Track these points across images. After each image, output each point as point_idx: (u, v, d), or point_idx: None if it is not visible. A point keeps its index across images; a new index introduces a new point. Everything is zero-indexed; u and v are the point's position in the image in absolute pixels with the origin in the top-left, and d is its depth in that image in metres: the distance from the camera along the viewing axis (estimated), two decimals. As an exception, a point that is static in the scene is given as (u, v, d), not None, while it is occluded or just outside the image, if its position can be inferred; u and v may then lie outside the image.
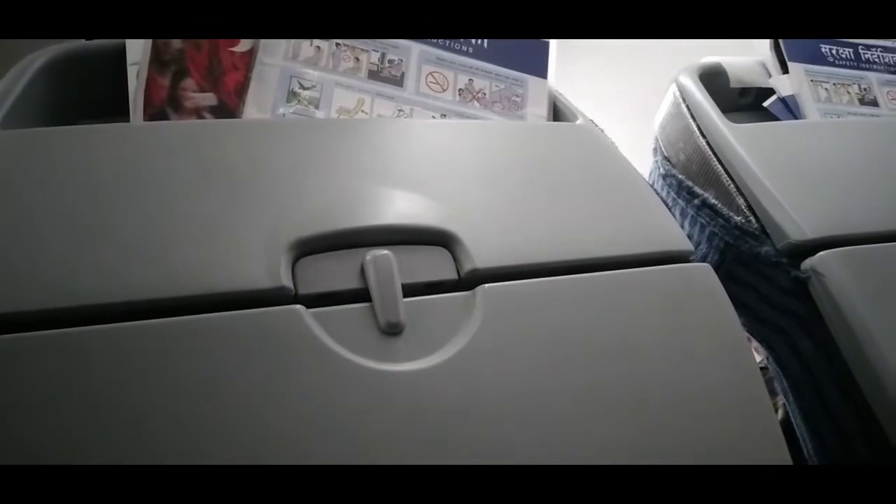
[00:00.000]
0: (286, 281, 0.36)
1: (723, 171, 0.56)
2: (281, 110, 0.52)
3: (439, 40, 0.58)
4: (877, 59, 0.73)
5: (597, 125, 0.56)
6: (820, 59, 0.70)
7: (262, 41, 0.52)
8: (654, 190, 0.51)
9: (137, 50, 0.50)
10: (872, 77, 0.72)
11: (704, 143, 0.58)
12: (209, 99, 0.51)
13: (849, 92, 0.70)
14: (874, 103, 0.70)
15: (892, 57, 0.74)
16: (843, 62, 0.72)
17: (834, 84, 0.69)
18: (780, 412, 0.58)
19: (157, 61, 0.50)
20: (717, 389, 0.38)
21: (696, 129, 0.60)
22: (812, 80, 0.68)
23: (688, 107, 0.62)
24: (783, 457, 0.37)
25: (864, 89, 0.71)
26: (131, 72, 0.50)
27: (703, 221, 0.57)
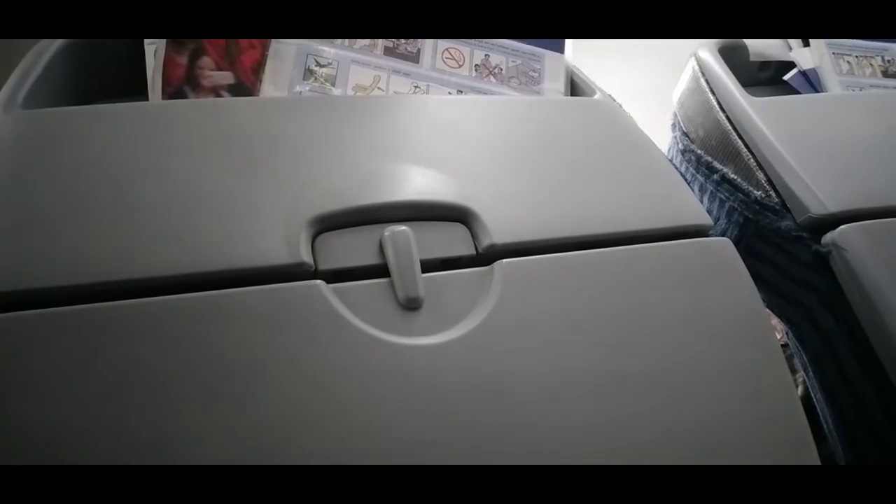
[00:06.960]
0: (306, 257, 0.36)
1: (742, 146, 0.55)
2: (298, 88, 0.52)
3: (455, 16, 0.57)
4: (902, 30, 0.72)
5: (614, 100, 0.56)
6: (842, 31, 0.69)
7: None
8: (673, 165, 0.51)
9: (155, 29, 0.50)
10: (897, 49, 0.71)
11: (724, 118, 0.58)
12: (226, 77, 0.51)
13: (872, 64, 0.68)
14: (898, 75, 0.69)
15: (918, 28, 0.72)
16: (867, 34, 0.70)
17: (856, 56, 0.68)
18: (800, 388, 0.57)
19: (175, 40, 0.50)
20: (737, 365, 0.38)
21: (715, 103, 0.59)
22: (834, 53, 0.67)
23: (707, 81, 0.61)
24: (804, 434, 0.37)
25: (888, 61, 0.69)
26: (149, 51, 0.51)
27: (723, 196, 0.57)
